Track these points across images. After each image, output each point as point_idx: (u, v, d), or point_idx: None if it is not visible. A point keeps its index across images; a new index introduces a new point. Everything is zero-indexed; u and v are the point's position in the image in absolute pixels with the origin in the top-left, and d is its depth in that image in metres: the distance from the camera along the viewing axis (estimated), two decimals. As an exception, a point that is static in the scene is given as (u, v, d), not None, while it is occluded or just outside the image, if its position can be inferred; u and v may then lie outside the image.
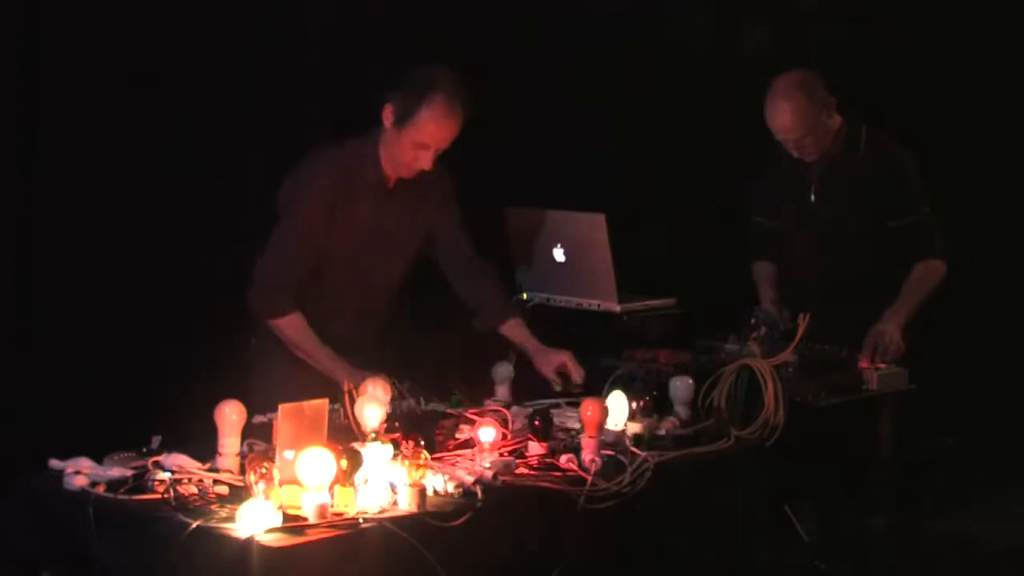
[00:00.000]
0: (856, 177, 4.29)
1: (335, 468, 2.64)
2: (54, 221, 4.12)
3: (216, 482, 2.78)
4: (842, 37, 6.00)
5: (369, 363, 3.66)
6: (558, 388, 3.81)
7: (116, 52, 4.22)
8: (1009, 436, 5.66)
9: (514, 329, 3.94)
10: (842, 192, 4.31)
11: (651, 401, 3.48)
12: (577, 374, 3.76)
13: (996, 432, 5.63)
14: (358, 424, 3.06)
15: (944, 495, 4.63)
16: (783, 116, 4.18)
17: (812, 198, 4.35)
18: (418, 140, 3.64)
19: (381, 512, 2.69)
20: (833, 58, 5.43)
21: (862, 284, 4.30)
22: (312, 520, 2.59)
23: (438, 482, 2.83)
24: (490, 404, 3.57)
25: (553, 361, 3.82)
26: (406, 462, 2.78)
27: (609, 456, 3.19)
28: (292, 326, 3.70)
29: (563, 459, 3.11)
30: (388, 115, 3.67)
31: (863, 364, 3.91)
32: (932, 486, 4.51)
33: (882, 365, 3.92)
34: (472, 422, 3.33)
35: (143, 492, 2.73)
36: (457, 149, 3.75)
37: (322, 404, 2.89)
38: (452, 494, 2.82)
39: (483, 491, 2.82)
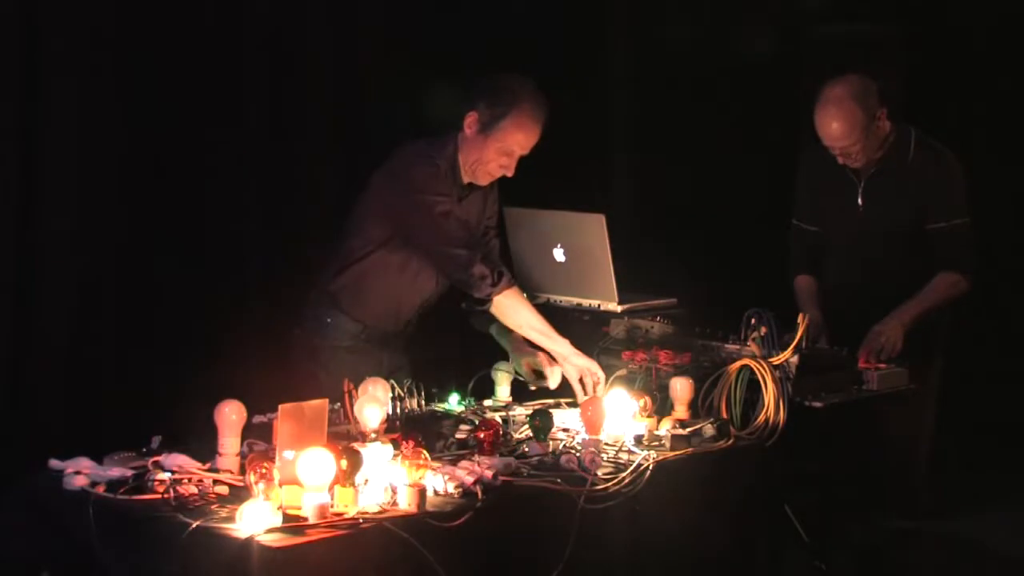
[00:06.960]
0: (905, 182, 4.26)
1: (335, 468, 2.65)
2: (54, 221, 4.12)
3: (216, 482, 2.79)
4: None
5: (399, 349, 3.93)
6: (532, 387, 3.88)
7: (116, 51, 4.22)
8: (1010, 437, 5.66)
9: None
10: (891, 196, 4.28)
11: (651, 401, 3.49)
12: (553, 380, 3.82)
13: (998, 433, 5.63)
14: (358, 424, 3.07)
15: (944, 496, 4.63)
16: (833, 125, 4.13)
17: (860, 202, 4.33)
18: (504, 147, 3.75)
19: (381, 512, 2.69)
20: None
21: (903, 289, 4.25)
22: (312, 520, 2.59)
23: (438, 482, 2.83)
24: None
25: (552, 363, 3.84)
26: (406, 462, 2.79)
27: (609, 456, 3.20)
28: (513, 296, 3.75)
29: (563, 459, 3.11)
30: (472, 123, 3.77)
31: (863, 364, 3.91)
32: (932, 487, 4.50)
33: (882, 365, 3.92)
34: (472, 422, 3.33)
35: (143, 492, 2.74)
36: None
37: (322, 404, 2.89)
38: (452, 494, 2.83)
39: (483, 491, 2.83)
